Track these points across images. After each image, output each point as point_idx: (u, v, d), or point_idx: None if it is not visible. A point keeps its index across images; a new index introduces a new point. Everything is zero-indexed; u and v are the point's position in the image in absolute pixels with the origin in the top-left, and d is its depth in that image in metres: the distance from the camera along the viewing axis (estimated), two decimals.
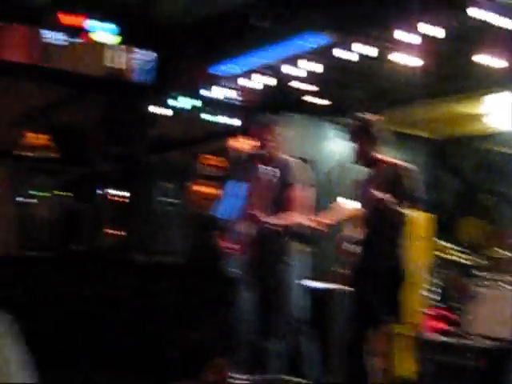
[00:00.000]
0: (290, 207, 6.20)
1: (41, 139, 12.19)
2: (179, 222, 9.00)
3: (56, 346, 8.75)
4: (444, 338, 6.27)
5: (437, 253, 8.32)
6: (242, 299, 7.50)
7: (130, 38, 9.54)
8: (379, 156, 5.83)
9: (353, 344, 5.74)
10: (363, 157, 5.85)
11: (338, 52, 6.94)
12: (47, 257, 12.11)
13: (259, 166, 6.49)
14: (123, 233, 9.67)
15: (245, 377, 7.60)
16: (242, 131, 9.35)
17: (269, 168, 6.36)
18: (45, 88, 10.27)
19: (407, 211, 5.60)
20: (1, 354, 1.12)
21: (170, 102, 9.28)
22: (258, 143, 6.38)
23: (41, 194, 13.03)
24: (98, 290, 9.97)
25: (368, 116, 5.90)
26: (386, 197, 5.42)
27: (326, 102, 8.89)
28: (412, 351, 6.06)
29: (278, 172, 6.33)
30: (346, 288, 6.28)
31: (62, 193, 13.19)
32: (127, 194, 9.73)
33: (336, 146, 9.48)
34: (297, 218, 6.16)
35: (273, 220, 6.03)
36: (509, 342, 5.77)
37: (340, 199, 7.15)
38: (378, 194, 5.40)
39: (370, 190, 5.53)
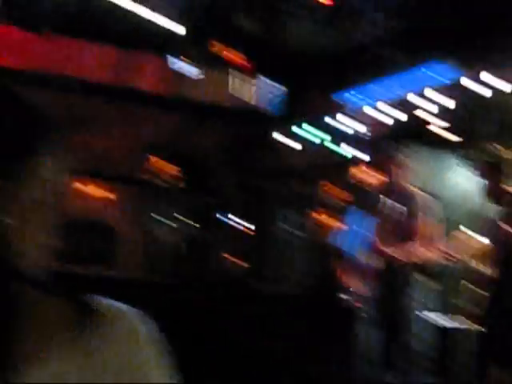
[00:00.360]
0: (417, 240, 6.11)
1: (167, 167, 12.45)
2: (301, 252, 8.99)
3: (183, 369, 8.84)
4: None
5: None
6: (365, 333, 7.43)
7: (257, 67, 9.66)
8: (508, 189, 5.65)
9: None
10: (495, 193, 5.69)
11: (466, 84, 6.83)
12: (172, 283, 12.31)
13: (385, 197, 6.43)
14: (244, 261, 9.72)
15: None
16: (368, 161, 9.31)
17: (394, 200, 6.30)
18: (173, 116, 10.50)
19: None
20: (141, 353, 1.15)
21: (295, 131, 9.33)
22: (384, 174, 6.33)
23: (166, 220, 13.28)
24: (219, 318, 10.05)
25: (500, 150, 5.74)
26: None
27: (453, 135, 8.75)
28: None
29: (403, 204, 6.26)
30: (476, 326, 6.11)
31: (186, 220, 13.40)
32: (251, 222, 9.79)
33: (463, 180, 9.30)
34: (424, 251, 6.06)
35: (399, 253, 5.95)
36: None
37: (463, 230, 7.00)
38: None
39: (505, 227, 5.36)
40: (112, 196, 12.52)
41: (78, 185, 12.23)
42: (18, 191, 1.08)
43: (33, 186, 1.11)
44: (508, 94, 6.68)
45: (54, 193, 1.17)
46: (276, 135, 9.93)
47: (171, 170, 12.44)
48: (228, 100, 10.26)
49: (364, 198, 6.73)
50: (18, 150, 1.09)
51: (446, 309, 8.52)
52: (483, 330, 5.80)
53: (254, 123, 10.40)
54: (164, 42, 8.15)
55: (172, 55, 9.03)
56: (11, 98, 1.12)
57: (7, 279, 1.02)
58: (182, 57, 8.61)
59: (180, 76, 9.50)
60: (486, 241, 6.15)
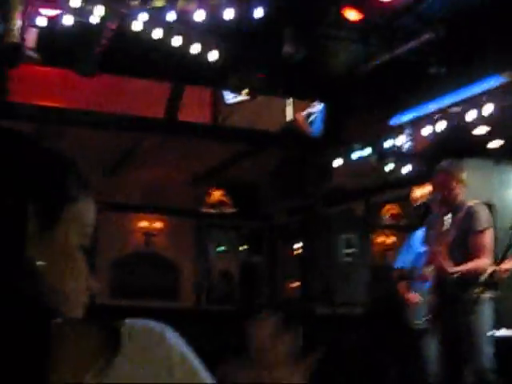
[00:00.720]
0: (480, 254, 6.03)
1: (220, 195, 12.54)
2: (362, 274, 8.96)
3: None
4: None
5: None
6: (430, 350, 7.35)
7: (300, 91, 9.70)
8: None
9: None
10: None
11: None
12: (230, 310, 12.35)
13: (443, 213, 6.38)
14: (304, 285, 9.73)
15: None
16: (424, 179, 9.25)
17: (457, 217, 6.24)
18: (224, 145, 10.59)
19: None
20: (173, 373, 1.19)
21: (347, 152, 9.32)
22: (442, 190, 6.28)
23: (222, 248, 13.35)
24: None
25: None
26: None
27: (507, 145, 8.68)
28: None
29: (467, 220, 6.19)
30: None
31: (242, 247, 13.46)
32: (307, 247, 9.80)
33: None
34: (486, 265, 5.99)
35: (461, 268, 5.89)
36: None
37: None
38: None
39: None
40: (169, 228, 12.64)
41: (136, 220, 12.40)
42: (57, 236, 1.15)
43: (71, 231, 1.18)
44: None
45: (91, 235, 1.24)
46: (328, 159, 9.90)
47: (225, 198, 12.53)
48: (276, 126, 10.32)
49: (426, 217, 6.67)
50: (56, 200, 1.16)
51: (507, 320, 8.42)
52: None
53: (303, 147, 10.43)
54: (210, 73, 8.24)
55: (218, 85, 9.13)
56: (42, 151, 1.19)
57: (45, 317, 1.09)
58: (228, 86, 8.69)
59: (228, 105, 9.61)
60: None
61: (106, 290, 11.83)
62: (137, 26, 6.93)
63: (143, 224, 12.40)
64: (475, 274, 5.98)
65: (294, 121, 10.24)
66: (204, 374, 1.25)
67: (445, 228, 6.27)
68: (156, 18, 6.93)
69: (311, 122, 10.25)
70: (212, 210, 12.65)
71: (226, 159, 11.35)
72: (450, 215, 6.25)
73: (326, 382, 8.64)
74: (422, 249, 6.90)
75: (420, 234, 7.09)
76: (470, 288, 6.01)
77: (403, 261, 7.10)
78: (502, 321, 8.08)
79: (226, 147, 10.74)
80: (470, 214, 6.17)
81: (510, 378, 7.01)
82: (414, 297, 6.85)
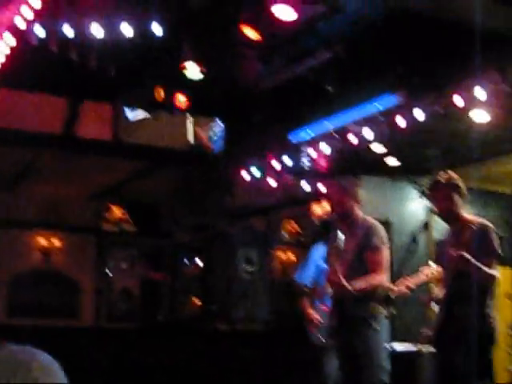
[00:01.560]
0: (377, 271, 6.12)
1: (120, 213, 12.43)
2: (262, 289, 8.99)
3: None
4: None
5: None
6: (329, 366, 7.43)
7: (201, 109, 9.69)
8: (463, 214, 5.72)
9: None
10: (446, 213, 5.76)
11: (408, 112, 6.95)
12: (130, 328, 12.22)
13: (340, 230, 6.46)
14: (205, 302, 9.71)
15: None
16: (321, 196, 9.36)
17: (353, 232, 6.32)
18: (124, 162, 10.49)
19: (496, 272, 5.49)
20: None
21: (247, 169, 9.36)
22: (337, 207, 6.36)
23: (122, 266, 13.21)
24: (179, 360, 10.01)
25: (452, 173, 5.83)
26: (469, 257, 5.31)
27: (402, 163, 8.88)
28: None
29: (363, 236, 6.27)
30: (432, 350, 6.16)
31: (142, 264, 13.35)
32: (207, 263, 9.78)
33: (418, 207, 9.43)
34: (382, 281, 6.08)
35: (357, 285, 5.96)
36: None
37: (431, 263, 7.07)
38: (464, 254, 5.28)
39: (452, 250, 5.42)
40: (68, 246, 12.44)
41: (34, 237, 12.15)
42: None
43: None
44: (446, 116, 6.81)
45: None
46: (228, 176, 9.93)
47: (126, 216, 12.42)
48: (178, 143, 10.28)
49: (322, 233, 6.74)
50: None
51: (404, 336, 8.60)
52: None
53: (204, 165, 10.42)
54: (109, 88, 8.16)
55: (117, 101, 9.04)
56: None
57: None
58: (127, 102, 8.62)
59: (127, 122, 9.51)
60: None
61: (3, 308, 11.58)
62: (33, 39, 6.81)
63: (41, 241, 12.17)
64: (372, 291, 6.06)
65: (197, 138, 10.22)
66: None
67: (343, 245, 6.34)
68: (53, 32, 6.82)
69: (213, 139, 10.25)
70: (112, 228, 12.52)
71: (126, 176, 11.25)
72: (349, 232, 6.32)
73: None
74: (324, 265, 6.97)
75: (321, 250, 7.15)
76: (367, 304, 6.08)
77: (304, 277, 7.15)
78: (397, 336, 8.26)
79: (126, 164, 10.64)
80: (367, 231, 6.25)
81: None
82: (315, 314, 6.90)
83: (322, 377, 7.57)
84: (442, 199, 5.70)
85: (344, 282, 5.89)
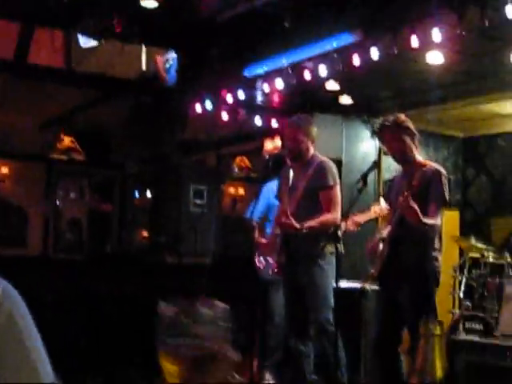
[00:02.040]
0: (330, 209, 6.16)
1: (70, 142, 12.27)
2: (211, 224, 9.01)
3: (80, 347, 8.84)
4: (476, 339, 6.22)
5: (468, 252, 8.28)
6: (275, 301, 7.51)
7: (157, 40, 9.55)
8: (415, 156, 5.74)
9: (386, 345, 5.72)
10: (399, 155, 5.78)
11: (364, 51, 6.93)
12: (78, 259, 12.19)
13: (291, 167, 6.46)
14: (153, 234, 9.69)
15: (274, 377, 7.63)
16: (274, 132, 9.35)
17: (306, 170, 6.33)
18: (76, 91, 10.33)
19: (439, 220, 5.52)
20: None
21: (201, 103, 9.28)
22: (291, 143, 6.34)
23: (71, 196, 13.11)
24: (127, 292, 10.03)
25: (401, 115, 5.84)
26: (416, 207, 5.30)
27: (355, 102, 8.88)
28: (444, 351, 5.99)
29: (316, 174, 6.29)
30: (377, 288, 6.25)
31: (92, 195, 13.26)
32: (157, 196, 9.74)
33: (370, 147, 9.47)
34: (335, 219, 6.12)
35: (307, 224, 5.98)
36: None
37: (382, 200, 7.14)
38: (412, 204, 5.27)
39: (401, 195, 5.44)
40: (16, 174, 12.29)
41: None
42: None
43: None
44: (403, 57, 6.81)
45: None
46: (182, 109, 9.83)
47: (77, 146, 12.27)
48: (131, 73, 10.13)
49: (275, 169, 6.72)
50: None
51: (351, 274, 8.71)
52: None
53: (157, 96, 10.30)
54: (63, 15, 7.98)
55: (71, 28, 8.85)
56: None
57: None
58: (82, 29, 8.44)
59: (79, 50, 9.33)
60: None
61: None
62: None
63: None
64: (324, 229, 6.10)
65: (150, 68, 10.07)
66: (30, 340, 1.20)
67: (294, 183, 6.35)
68: None
69: (168, 71, 10.12)
70: (62, 157, 12.37)
71: (77, 105, 11.10)
72: (302, 170, 6.33)
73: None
74: (274, 201, 6.99)
75: (272, 186, 7.15)
76: (316, 242, 6.13)
77: (254, 212, 7.16)
78: (344, 274, 8.36)
79: (78, 92, 10.49)
80: (320, 170, 6.26)
81: (350, 327, 7.27)
82: (264, 248, 6.92)
83: (268, 311, 7.66)
84: (392, 141, 5.72)
85: (294, 222, 5.91)
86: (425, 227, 5.37)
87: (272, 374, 7.66)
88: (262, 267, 6.93)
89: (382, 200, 7.05)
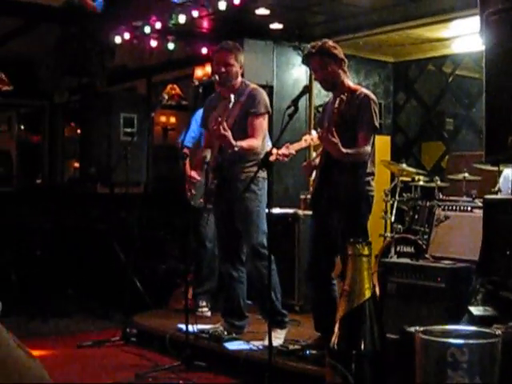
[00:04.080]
0: (255, 135, 6.13)
1: None
2: (142, 153, 8.91)
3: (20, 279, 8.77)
4: (407, 261, 6.31)
5: (399, 176, 8.37)
6: (207, 228, 7.52)
7: None
8: (343, 81, 5.70)
9: (318, 270, 5.76)
10: (325, 82, 5.74)
11: None
12: (8, 191, 12.01)
13: (222, 93, 6.40)
14: (84, 165, 9.56)
15: (209, 304, 7.68)
16: (204, 58, 9.23)
17: (237, 97, 6.27)
18: None
19: (368, 148, 5.50)
20: None
21: (129, 30, 9.08)
22: (221, 70, 6.25)
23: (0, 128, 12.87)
24: (60, 223, 9.94)
25: (328, 41, 5.77)
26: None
27: (286, 28, 8.80)
28: (373, 272, 6.06)
29: (244, 100, 6.23)
30: (310, 213, 6.27)
31: (20, 126, 13.03)
32: (87, 125, 9.57)
33: (301, 73, 9.43)
34: (258, 145, 6.11)
35: (238, 143, 5.95)
36: (472, 263, 5.80)
37: (313, 131, 7.14)
38: (332, 139, 5.24)
39: (330, 122, 5.40)
40: None
41: None
42: None
43: None
44: None
45: None
46: (110, 36, 9.59)
47: (1, 75, 11.94)
48: (55, 1, 9.84)
49: (204, 96, 6.62)
50: None
51: (283, 200, 8.76)
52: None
53: (84, 23, 10.04)
54: None
55: None
56: None
57: None
58: None
59: None
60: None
61: None
62: None
63: None
64: (250, 153, 6.10)
65: None
66: None
67: (224, 108, 6.30)
68: None
69: None
70: None
71: (3, 34, 10.79)
72: (231, 97, 6.26)
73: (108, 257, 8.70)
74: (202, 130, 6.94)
75: (202, 112, 7.07)
76: (246, 167, 6.13)
77: (186, 138, 7.08)
78: (277, 201, 8.41)
79: (2, 21, 10.18)
80: (252, 97, 6.21)
81: (283, 252, 7.34)
82: (195, 175, 6.87)
83: (201, 239, 7.66)
84: (318, 67, 5.66)
85: (229, 134, 5.86)
86: (348, 158, 5.36)
87: (207, 302, 7.70)
88: (190, 195, 6.90)
89: (313, 131, 7.07)
